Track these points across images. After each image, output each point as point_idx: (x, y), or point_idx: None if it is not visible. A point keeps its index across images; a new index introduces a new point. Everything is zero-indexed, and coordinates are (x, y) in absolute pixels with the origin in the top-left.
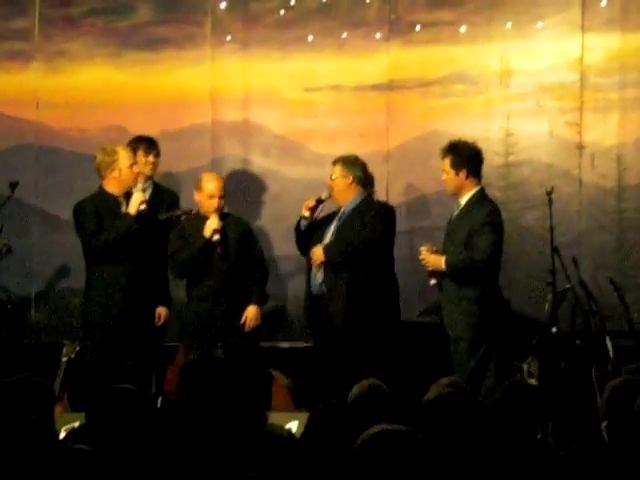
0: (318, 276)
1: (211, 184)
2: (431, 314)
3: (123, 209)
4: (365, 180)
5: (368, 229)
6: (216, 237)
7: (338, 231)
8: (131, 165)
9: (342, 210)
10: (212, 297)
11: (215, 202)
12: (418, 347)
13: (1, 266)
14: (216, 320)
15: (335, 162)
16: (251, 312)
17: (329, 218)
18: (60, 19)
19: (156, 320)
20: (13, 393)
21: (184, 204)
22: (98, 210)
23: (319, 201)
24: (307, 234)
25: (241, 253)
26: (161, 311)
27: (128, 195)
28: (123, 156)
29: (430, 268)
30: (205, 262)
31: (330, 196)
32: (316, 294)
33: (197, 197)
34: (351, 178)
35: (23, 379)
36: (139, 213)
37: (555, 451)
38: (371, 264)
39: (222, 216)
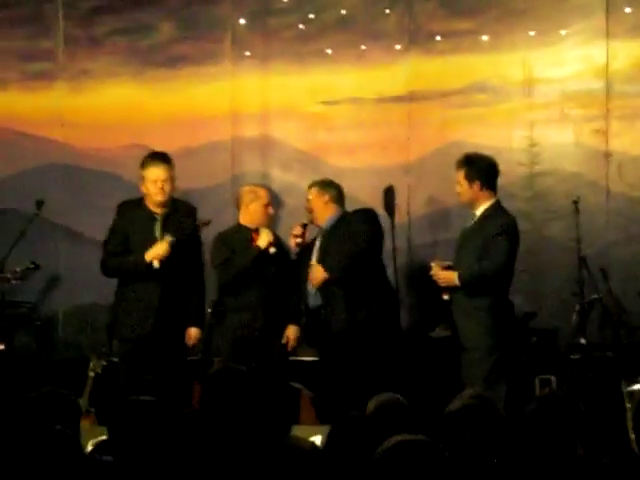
0: (312, 289)
1: (268, 194)
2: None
3: (157, 229)
4: (341, 199)
5: (361, 236)
6: (272, 250)
7: (323, 249)
8: (154, 180)
9: (323, 228)
10: (253, 309)
11: (270, 211)
12: (436, 360)
13: (28, 283)
14: (254, 332)
15: (310, 186)
16: (293, 332)
17: (311, 242)
18: (84, 39)
19: (187, 340)
20: (38, 406)
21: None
22: (129, 227)
23: (304, 226)
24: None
25: (278, 267)
26: (192, 332)
27: (168, 215)
28: (147, 171)
29: (442, 284)
30: (254, 273)
31: (312, 220)
32: (312, 307)
33: (253, 207)
34: (327, 197)
35: (47, 392)
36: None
37: (586, 463)
38: (364, 271)
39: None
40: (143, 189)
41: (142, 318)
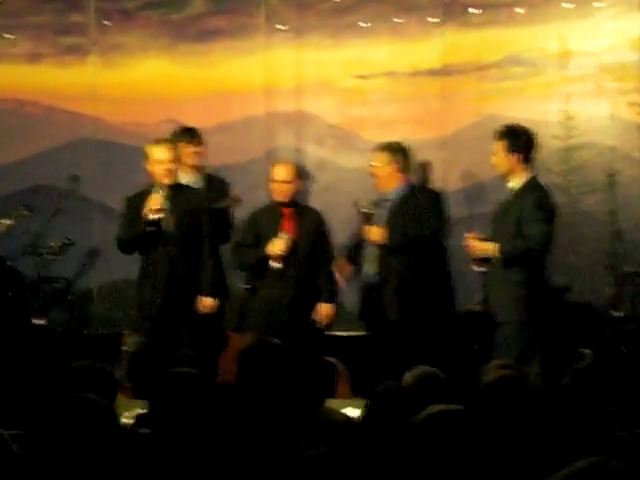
0: (368, 267)
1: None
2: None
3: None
4: (407, 166)
5: (430, 220)
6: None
7: (389, 220)
8: (159, 161)
9: (390, 198)
10: (280, 285)
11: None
12: (475, 335)
13: (63, 259)
14: (283, 309)
15: (380, 149)
16: (325, 310)
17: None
18: (115, 13)
19: (200, 310)
20: (75, 380)
21: (237, 195)
22: (139, 206)
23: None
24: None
25: (313, 245)
26: (204, 302)
27: (175, 188)
28: (153, 151)
29: (477, 255)
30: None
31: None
32: (367, 284)
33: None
34: (395, 166)
35: (84, 366)
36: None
37: (619, 435)
38: (423, 253)
39: (297, 207)
40: (148, 167)
41: (150, 297)
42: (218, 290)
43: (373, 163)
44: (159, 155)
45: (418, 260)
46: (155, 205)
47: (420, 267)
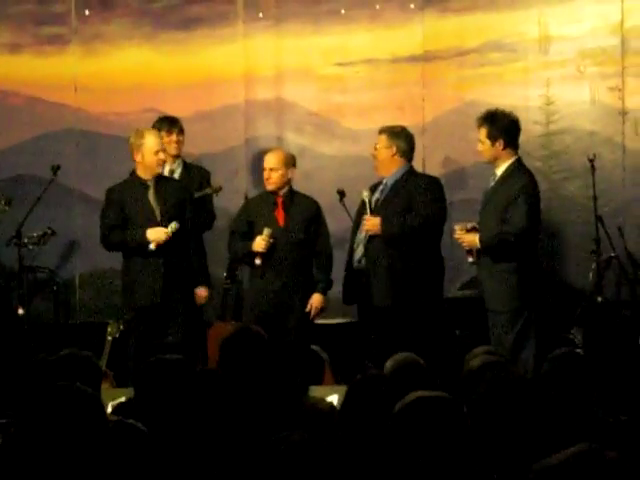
0: (358, 251)
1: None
2: (471, 288)
3: (150, 195)
4: (409, 153)
5: (429, 207)
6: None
7: (382, 205)
8: (156, 151)
9: (384, 182)
10: (269, 273)
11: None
12: (459, 321)
13: (45, 249)
14: (272, 296)
15: (381, 132)
16: (317, 301)
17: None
18: (96, 2)
19: (196, 300)
20: (59, 369)
21: (217, 183)
22: (123, 197)
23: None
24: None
25: (306, 234)
26: (201, 292)
27: (157, 179)
28: (149, 141)
29: (467, 247)
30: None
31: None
32: (356, 268)
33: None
34: (394, 149)
35: (68, 355)
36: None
37: (603, 421)
38: (416, 242)
39: (291, 195)
40: (138, 157)
41: (150, 285)
42: (207, 279)
43: (376, 145)
44: (156, 145)
45: (410, 247)
46: (160, 240)
47: (411, 252)
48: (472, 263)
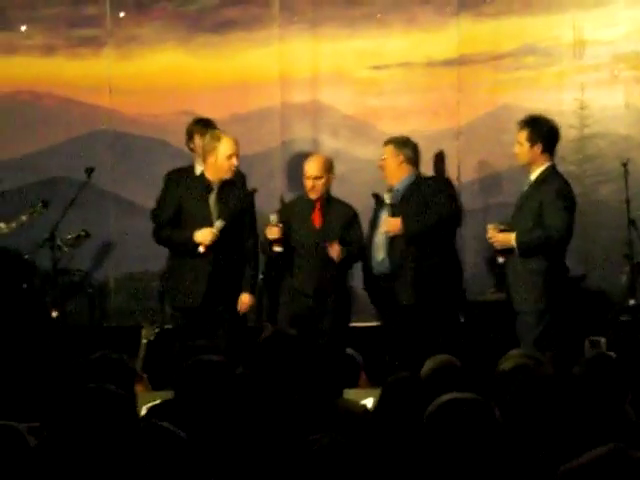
0: (379, 255)
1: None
2: (502, 291)
3: (211, 199)
4: (416, 160)
5: (445, 205)
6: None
7: (396, 210)
8: (229, 155)
9: (395, 189)
10: (302, 276)
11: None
12: (489, 324)
13: (80, 251)
14: (302, 298)
15: (387, 143)
16: (337, 244)
17: (380, 201)
18: (131, 4)
19: (239, 306)
20: (92, 371)
21: (254, 186)
22: (184, 193)
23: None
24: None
25: (341, 240)
26: (243, 298)
27: (223, 184)
28: (224, 144)
29: (499, 247)
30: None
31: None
32: (377, 273)
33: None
34: (402, 157)
35: (101, 357)
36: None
37: (635, 424)
38: (437, 240)
39: (328, 200)
40: (211, 159)
41: (195, 286)
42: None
43: (383, 155)
44: (230, 149)
45: (432, 246)
46: (207, 242)
47: (434, 253)
48: (501, 264)
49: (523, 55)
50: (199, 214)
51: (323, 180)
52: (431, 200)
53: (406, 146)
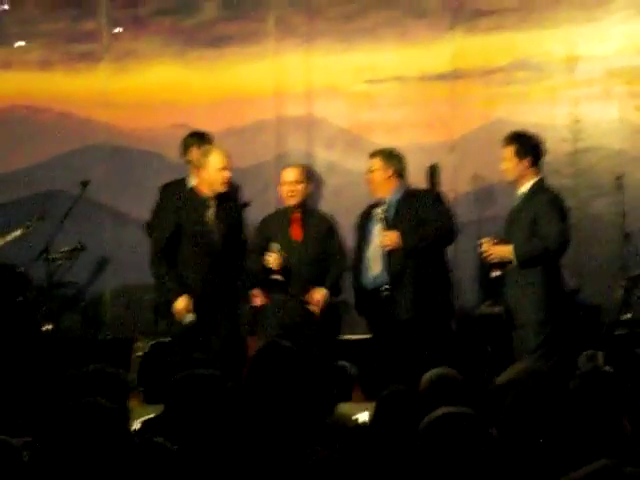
0: (374, 270)
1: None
2: (498, 304)
3: (209, 215)
4: (403, 172)
5: (442, 220)
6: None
7: (392, 222)
8: (221, 168)
9: (386, 202)
10: (290, 289)
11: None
12: (485, 338)
13: (75, 263)
14: (287, 312)
15: (374, 155)
16: (318, 293)
17: (367, 215)
18: (128, 20)
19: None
20: (85, 385)
21: (247, 198)
22: (180, 212)
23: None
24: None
25: (322, 248)
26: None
27: (220, 199)
28: (215, 157)
29: (494, 260)
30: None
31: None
32: (371, 288)
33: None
34: (391, 171)
35: (96, 370)
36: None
37: (631, 438)
38: (432, 253)
39: (306, 211)
40: (204, 174)
41: (194, 298)
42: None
43: (370, 168)
44: (221, 162)
45: (428, 259)
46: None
47: (429, 266)
48: (496, 277)
49: (516, 70)
50: (199, 232)
51: (302, 185)
52: (427, 214)
53: (394, 158)
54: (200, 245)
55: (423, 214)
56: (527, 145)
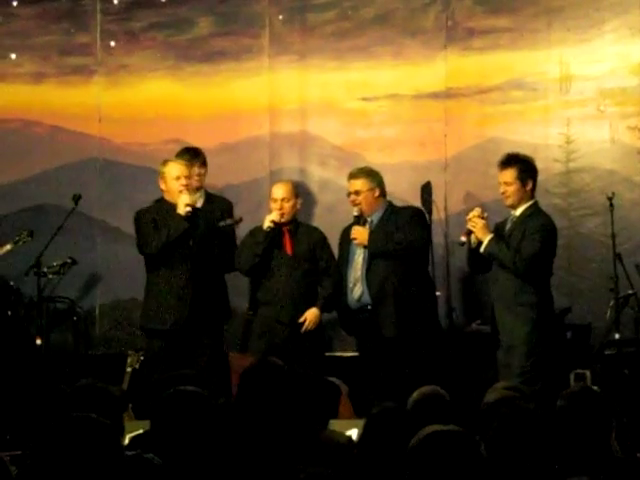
0: (356, 289)
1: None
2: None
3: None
4: (385, 189)
5: (414, 231)
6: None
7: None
8: (177, 177)
9: (370, 220)
10: (279, 304)
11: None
12: (475, 356)
13: (66, 278)
14: (282, 326)
15: (356, 176)
16: (311, 314)
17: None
18: (121, 34)
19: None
20: (77, 400)
21: (242, 215)
22: (156, 217)
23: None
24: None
25: (312, 261)
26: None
27: (194, 211)
28: (170, 167)
29: (472, 229)
30: (268, 260)
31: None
32: (355, 307)
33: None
34: (378, 191)
35: (86, 386)
36: (187, 214)
37: (620, 458)
38: (414, 268)
39: (296, 225)
40: (163, 185)
41: (175, 310)
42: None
43: (356, 189)
44: (177, 171)
45: (409, 276)
46: (187, 201)
47: (411, 283)
48: (461, 244)
49: (509, 89)
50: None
51: (292, 202)
52: (402, 225)
53: (377, 176)
54: (177, 250)
55: (399, 225)
56: (529, 167)
